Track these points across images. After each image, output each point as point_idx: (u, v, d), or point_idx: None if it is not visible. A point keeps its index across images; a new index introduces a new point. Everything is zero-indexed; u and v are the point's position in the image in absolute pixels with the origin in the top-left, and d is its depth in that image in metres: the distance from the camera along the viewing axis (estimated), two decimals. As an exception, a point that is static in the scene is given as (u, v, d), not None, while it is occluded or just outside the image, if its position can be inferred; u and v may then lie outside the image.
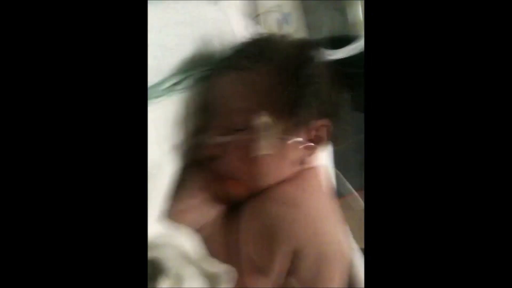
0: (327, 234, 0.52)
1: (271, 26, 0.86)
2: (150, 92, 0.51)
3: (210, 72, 0.57)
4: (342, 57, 0.73)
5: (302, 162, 0.54)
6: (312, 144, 0.54)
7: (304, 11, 1.00)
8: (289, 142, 0.52)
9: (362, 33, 0.75)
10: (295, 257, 0.48)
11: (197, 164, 0.54)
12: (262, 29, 0.80)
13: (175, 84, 0.54)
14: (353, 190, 0.83)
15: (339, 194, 0.78)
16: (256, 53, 0.54)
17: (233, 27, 0.63)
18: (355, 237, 0.66)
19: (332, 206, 0.57)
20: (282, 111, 0.51)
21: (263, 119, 0.50)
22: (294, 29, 0.95)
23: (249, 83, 0.53)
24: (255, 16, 0.85)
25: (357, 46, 0.74)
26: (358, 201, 0.82)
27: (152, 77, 0.52)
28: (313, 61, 0.54)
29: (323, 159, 0.64)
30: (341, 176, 0.78)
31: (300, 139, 0.53)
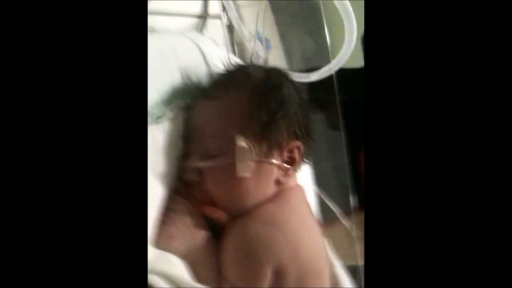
0: (308, 252, 0.53)
1: (248, 53, 0.89)
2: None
3: (190, 102, 0.59)
4: (315, 80, 0.75)
5: (278, 183, 0.56)
6: (286, 165, 0.57)
7: (281, 36, 1.04)
8: (264, 164, 0.54)
9: (336, 56, 0.78)
10: (277, 276, 0.50)
11: (182, 190, 0.56)
12: (239, 57, 0.83)
13: (158, 114, 0.56)
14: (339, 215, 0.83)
15: (327, 217, 0.78)
16: (227, 83, 0.58)
17: (208, 59, 0.66)
18: (341, 254, 0.67)
19: (313, 224, 0.58)
20: (255, 135, 0.53)
21: (239, 143, 0.53)
22: (272, 54, 0.98)
23: (222, 111, 0.55)
24: (231, 45, 0.88)
25: (330, 69, 0.76)
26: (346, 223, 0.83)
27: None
28: (284, 86, 0.57)
29: (303, 179, 0.66)
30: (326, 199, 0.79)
31: (274, 161, 0.55)
